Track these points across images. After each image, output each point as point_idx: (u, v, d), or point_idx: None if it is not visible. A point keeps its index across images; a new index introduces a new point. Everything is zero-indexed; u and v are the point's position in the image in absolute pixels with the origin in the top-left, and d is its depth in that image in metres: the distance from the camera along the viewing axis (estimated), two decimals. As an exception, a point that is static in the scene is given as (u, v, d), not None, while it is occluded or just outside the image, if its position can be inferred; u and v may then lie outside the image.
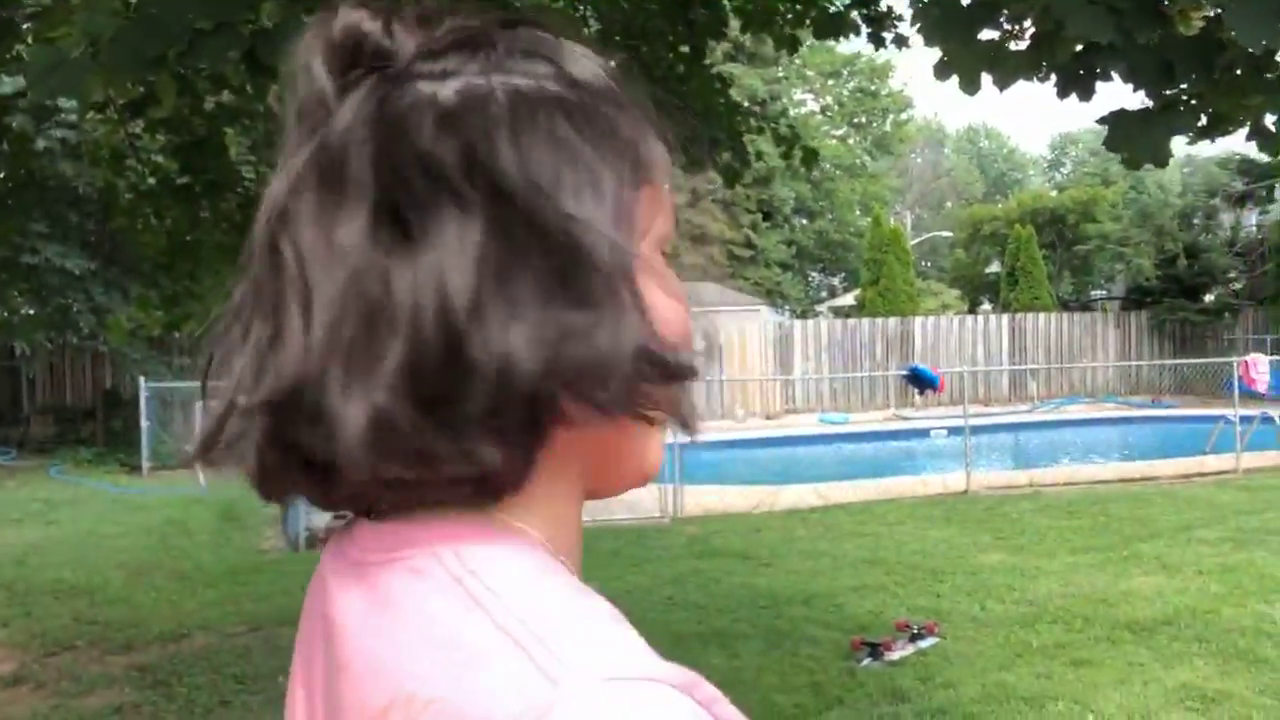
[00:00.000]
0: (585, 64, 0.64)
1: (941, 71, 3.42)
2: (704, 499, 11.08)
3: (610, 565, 8.28)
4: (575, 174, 0.59)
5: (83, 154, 7.76)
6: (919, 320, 23.46)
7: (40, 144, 8.30)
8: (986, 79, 3.40)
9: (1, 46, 4.21)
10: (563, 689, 0.49)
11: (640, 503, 10.93)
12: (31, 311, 16.06)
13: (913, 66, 42.52)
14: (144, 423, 14.92)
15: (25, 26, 4.27)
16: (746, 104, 7.66)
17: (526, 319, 0.56)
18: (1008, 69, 3.35)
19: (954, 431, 14.76)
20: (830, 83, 44.68)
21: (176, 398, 15.32)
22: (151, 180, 6.60)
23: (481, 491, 0.59)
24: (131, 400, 15.88)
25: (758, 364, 21.64)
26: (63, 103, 7.62)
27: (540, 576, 0.57)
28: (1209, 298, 24.81)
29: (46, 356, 18.31)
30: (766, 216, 36.99)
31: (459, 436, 0.55)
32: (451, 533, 0.58)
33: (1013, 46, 3.46)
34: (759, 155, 7.47)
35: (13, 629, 6.97)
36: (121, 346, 15.70)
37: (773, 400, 21.57)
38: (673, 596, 7.26)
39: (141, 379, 15.11)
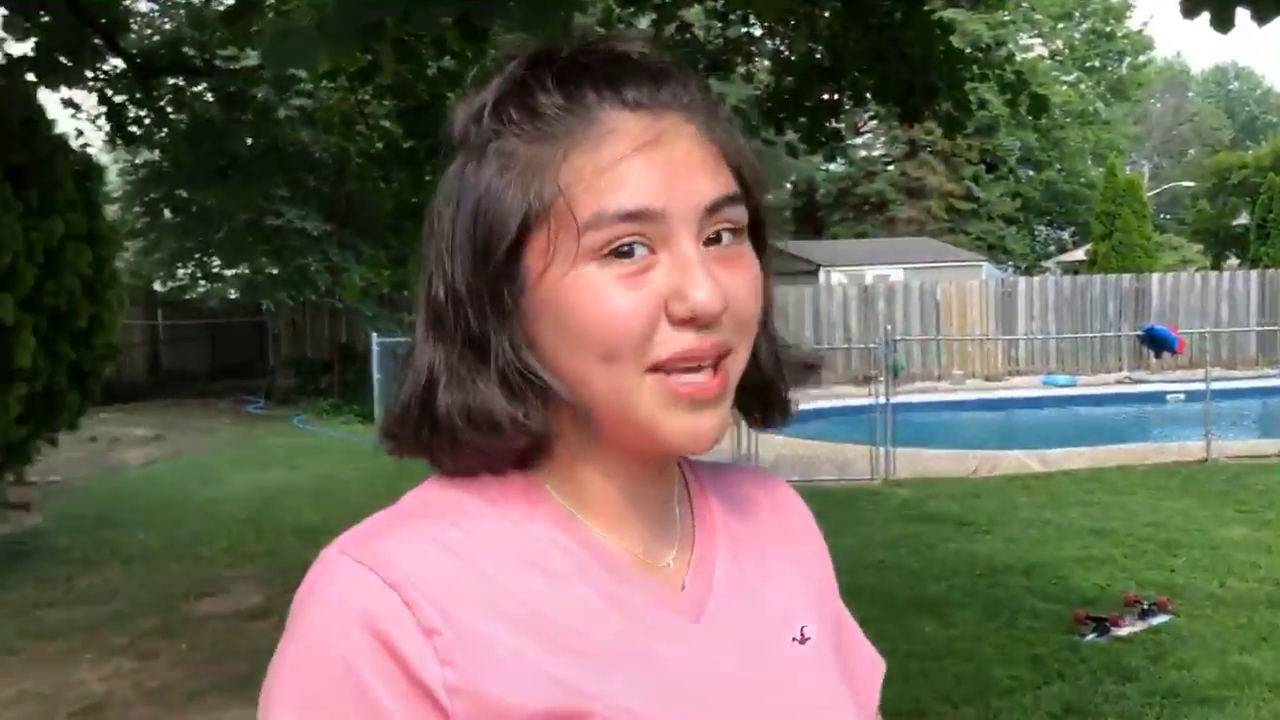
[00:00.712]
0: (503, 87, 0.74)
1: (1190, 8, 3.13)
2: (917, 462, 10.77)
3: (818, 526, 8.18)
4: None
5: (318, 121, 8.20)
6: (1156, 277, 21.99)
7: (281, 113, 8.80)
8: (1243, 14, 3.09)
9: (246, 21, 4.45)
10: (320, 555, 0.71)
11: (851, 464, 10.75)
12: (274, 271, 17.20)
13: (1154, 4, 39.56)
14: (375, 376, 15.62)
15: (268, 2, 4.50)
16: (968, 51, 7.29)
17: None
18: (1269, 2, 3.03)
19: (1193, 396, 13.80)
20: (1060, 26, 42.24)
21: (405, 351, 15.96)
22: (379, 145, 6.89)
23: None
24: (364, 354, 16.74)
25: (978, 323, 20.84)
26: (299, 72, 8.04)
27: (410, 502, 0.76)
28: None
29: (289, 313, 19.57)
30: (990, 168, 35.49)
31: None
32: None
33: (1274, -24, 3.13)
34: (981, 104, 7.13)
35: (259, 565, 7.51)
36: (355, 303, 16.54)
37: (994, 361, 20.75)
38: (884, 560, 7.10)
39: (373, 334, 15.83)
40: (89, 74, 6.68)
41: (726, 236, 0.73)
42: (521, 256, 0.72)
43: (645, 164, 0.70)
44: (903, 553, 7.32)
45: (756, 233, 0.77)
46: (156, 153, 10.41)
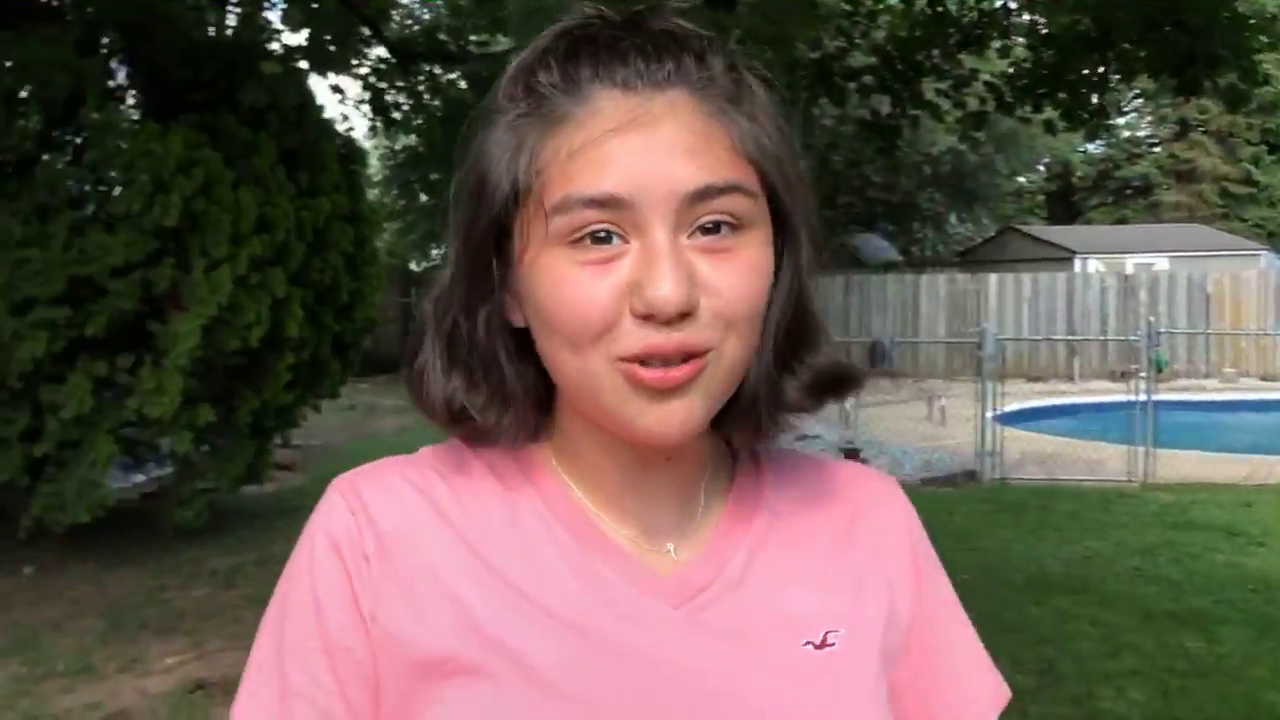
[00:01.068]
0: (508, 72, 0.74)
1: None
2: (1180, 465, 9.99)
3: (1068, 527, 7.73)
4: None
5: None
6: None
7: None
8: None
9: (493, 4, 4.56)
10: None
11: (1104, 464, 10.11)
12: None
13: None
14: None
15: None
16: (1257, 19, 6.64)
17: None
18: None
19: None
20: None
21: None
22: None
23: None
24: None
25: (1254, 316, 19.20)
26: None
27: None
28: None
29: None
30: (1272, 149, 32.57)
31: None
32: None
33: None
34: (1265, 79, 6.49)
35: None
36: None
37: (1271, 359, 19.06)
38: (1140, 569, 6.62)
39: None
40: (354, 62, 7.07)
41: (724, 229, 0.69)
42: (511, 235, 0.72)
43: (620, 147, 0.67)
44: (1161, 561, 6.81)
45: (784, 229, 0.74)
46: (413, 137, 10.91)
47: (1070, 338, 18.61)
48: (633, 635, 0.73)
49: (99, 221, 6.13)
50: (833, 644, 0.77)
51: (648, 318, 0.67)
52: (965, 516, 8.26)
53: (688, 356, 0.68)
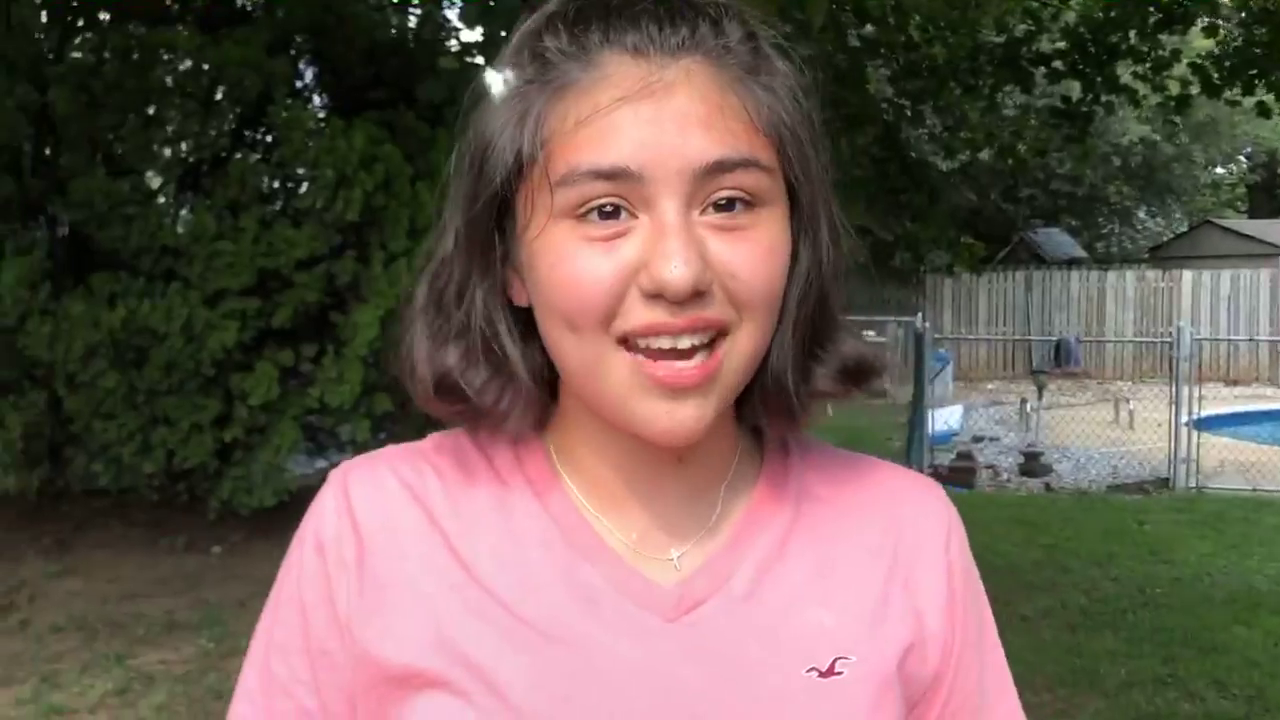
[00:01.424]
0: (517, 36, 0.69)
1: None
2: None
3: (1276, 542, 7.18)
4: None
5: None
6: None
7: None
8: None
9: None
10: None
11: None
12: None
13: None
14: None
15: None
16: None
17: None
18: None
19: None
20: None
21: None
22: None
23: None
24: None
25: None
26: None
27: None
28: None
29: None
30: None
31: None
32: None
33: None
34: None
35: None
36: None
37: None
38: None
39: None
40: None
41: (739, 206, 0.65)
42: (513, 208, 0.68)
43: (630, 117, 0.63)
44: None
45: (800, 209, 0.70)
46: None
47: (1275, 339, 17.42)
48: (616, 650, 0.68)
49: (286, 216, 6.36)
50: (840, 672, 0.70)
51: (656, 297, 0.63)
52: (1157, 526, 7.78)
53: (703, 338, 0.65)
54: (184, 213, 6.69)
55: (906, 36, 6.65)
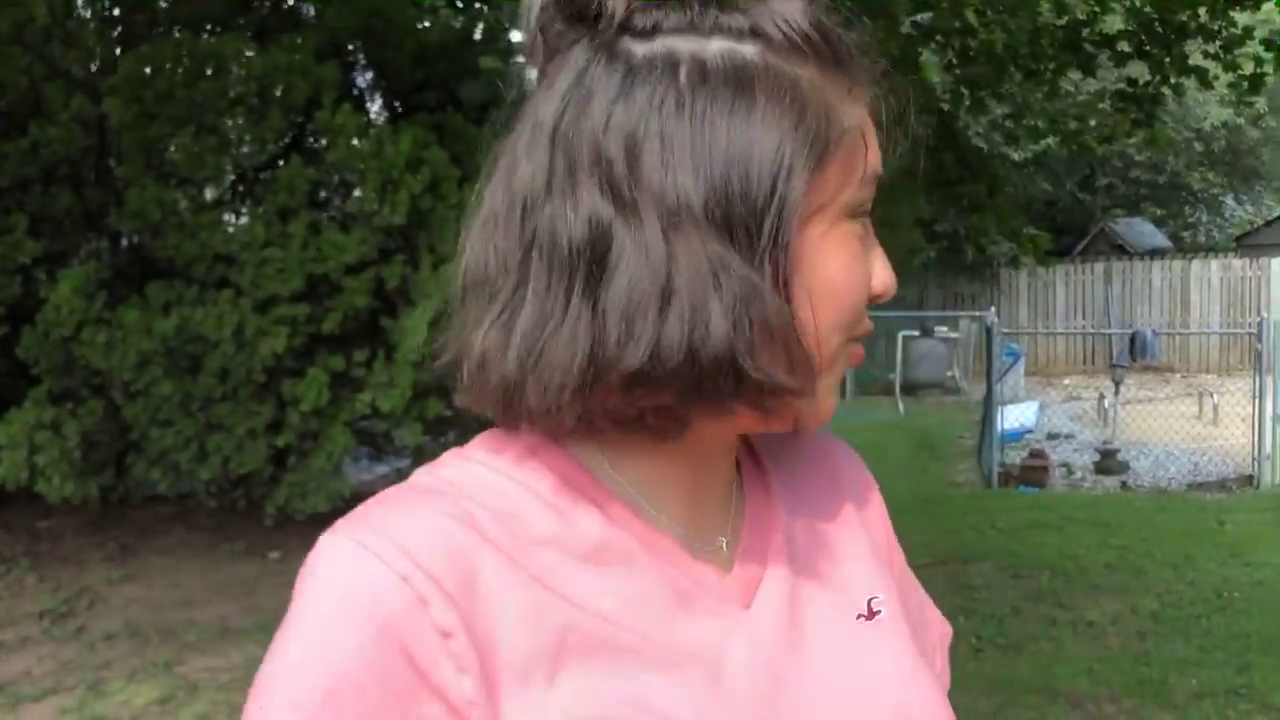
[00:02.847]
0: (785, 9, 0.65)
1: None
2: None
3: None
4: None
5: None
6: None
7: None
8: None
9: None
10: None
11: None
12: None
13: None
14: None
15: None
16: None
17: None
18: None
19: None
20: None
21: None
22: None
23: None
24: (840, 328, 16.62)
25: None
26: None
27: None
28: None
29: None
30: None
31: None
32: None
33: None
34: None
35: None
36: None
37: None
38: None
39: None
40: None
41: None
42: (787, 197, 0.63)
43: (871, 124, 0.69)
44: None
45: None
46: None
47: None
48: (732, 649, 0.67)
49: (335, 221, 6.37)
50: (879, 611, 0.76)
51: (874, 298, 0.70)
52: (1239, 526, 7.46)
53: None
54: (237, 219, 6.74)
55: (963, 21, 6.44)
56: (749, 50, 0.64)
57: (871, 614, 0.75)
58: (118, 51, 6.83)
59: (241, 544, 6.65)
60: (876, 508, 0.86)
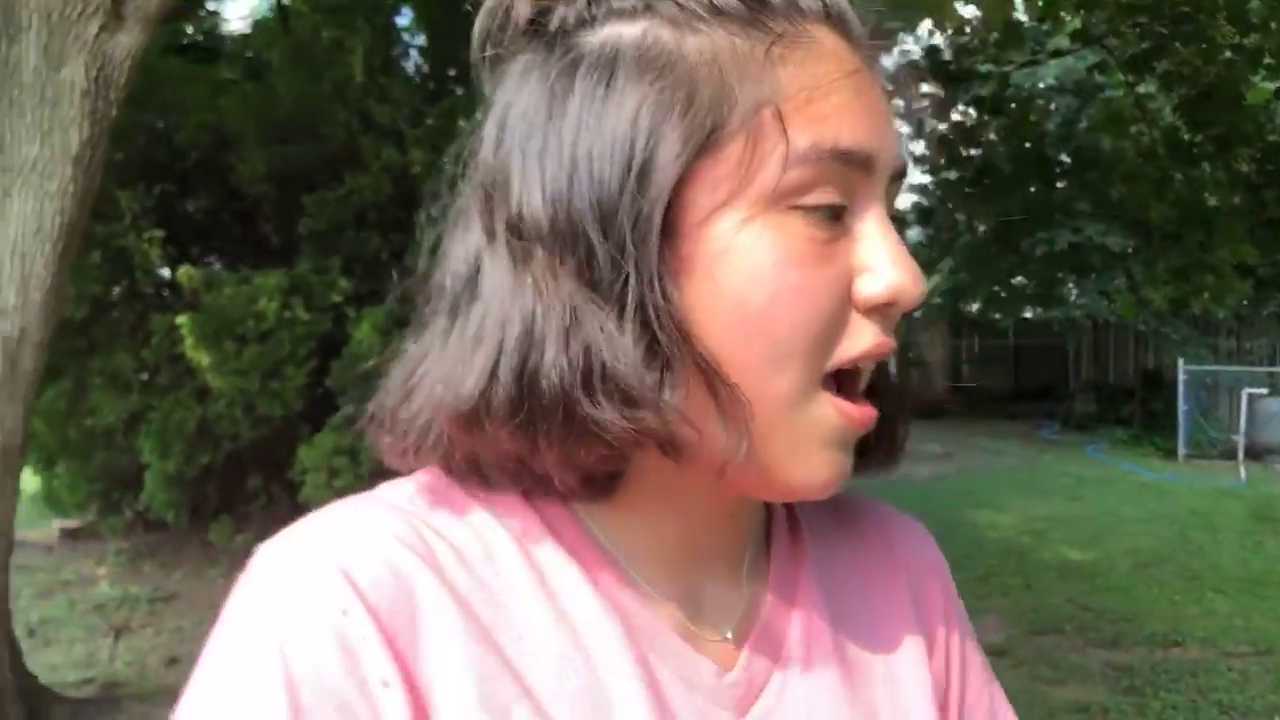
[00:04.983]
0: None
1: None
2: None
3: None
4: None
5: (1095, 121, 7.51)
6: None
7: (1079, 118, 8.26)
8: None
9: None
10: None
11: None
12: (1076, 292, 16.51)
13: None
14: (1181, 407, 14.17)
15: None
16: None
17: None
18: None
19: None
20: None
21: (1219, 382, 14.33)
22: (1156, 141, 6.05)
23: None
24: (1171, 382, 15.30)
25: None
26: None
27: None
28: None
29: (1091, 333, 18.66)
30: None
31: None
32: None
33: None
34: None
35: (1012, 599, 7.09)
36: (1161, 326, 15.23)
37: None
38: None
39: (1180, 360, 14.39)
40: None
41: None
42: (682, 186, 0.52)
43: (855, 96, 0.54)
44: None
45: None
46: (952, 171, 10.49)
47: None
48: None
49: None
50: None
51: (879, 308, 0.54)
52: None
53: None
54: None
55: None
56: (631, 31, 0.54)
57: None
58: (423, 105, 7.34)
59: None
60: (934, 608, 0.72)
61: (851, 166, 0.53)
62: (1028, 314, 19.92)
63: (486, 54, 0.60)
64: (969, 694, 0.71)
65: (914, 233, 15.05)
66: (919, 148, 7.86)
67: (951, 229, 17.39)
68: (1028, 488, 12.05)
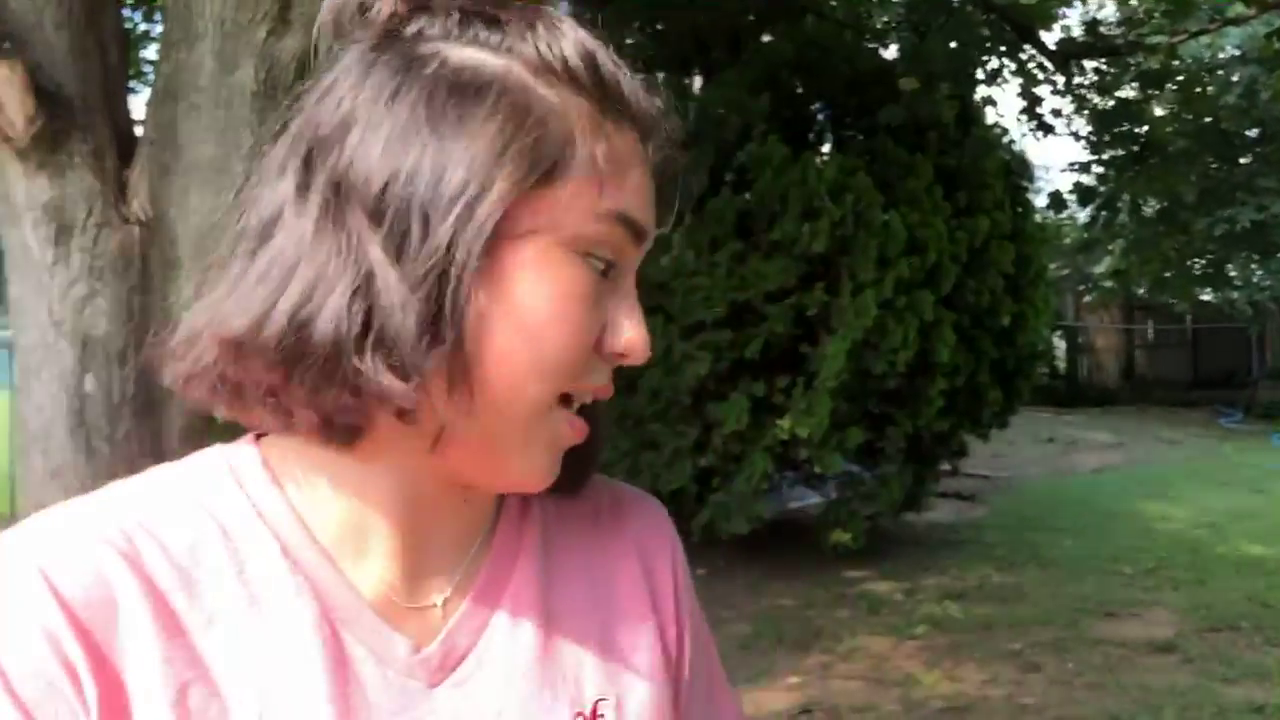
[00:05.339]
0: (554, 36, 0.63)
1: None
2: None
3: None
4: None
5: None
6: None
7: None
8: None
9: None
10: None
11: None
12: (1260, 273, 15.54)
13: None
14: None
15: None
16: None
17: None
18: None
19: None
20: None
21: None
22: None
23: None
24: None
25: None
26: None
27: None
28: None
29: (1277, 316, 17.60)
30: None
31: None
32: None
33: None
34: None
35: (1183, 594, 6.79)
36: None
37: None
38: None
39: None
40: (1003, 73, 6.66)
41: None
42: (516, 203, 0.60)
43: (644, 182, 0.65)
44: None
45: None
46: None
47: None
48: None
49: (758, 249, 6.50)
50: (604, 714, 0.69)
51: (615, 358, 0.65)
52: None
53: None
54: (670, 249, 7.08)
55: None
56: (495, 63, 0.62)
57: (593, 715, 0.68)
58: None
59: (671, 559, 6.94)
60: (668, 575, 0.77)
61: (630, 234, 0.63)
62: (1206, 297, 18.89)
63: (333, 45, 0.66)
64: (693, 669, 0.77)
65: (1081, 214, 14.39)
66: (1081, 125, 7.55)
67: (1116, 209, 16.60)
68: (1205, 479, 11.46)
